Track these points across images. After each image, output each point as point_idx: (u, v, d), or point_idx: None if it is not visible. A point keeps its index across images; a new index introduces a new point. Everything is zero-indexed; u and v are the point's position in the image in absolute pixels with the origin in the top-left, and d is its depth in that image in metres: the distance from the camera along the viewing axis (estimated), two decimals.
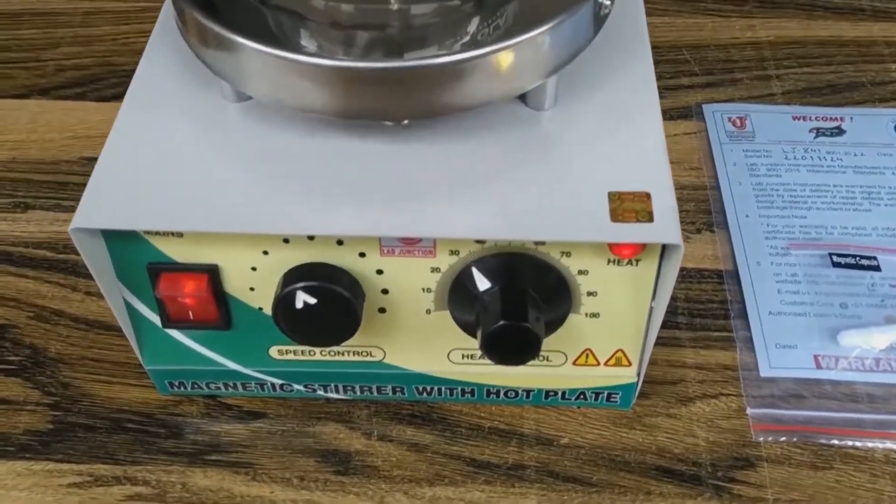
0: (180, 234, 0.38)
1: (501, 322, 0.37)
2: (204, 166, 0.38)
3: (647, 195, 0.36)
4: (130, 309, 0.41)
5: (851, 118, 0.59)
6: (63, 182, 0.57)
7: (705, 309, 0.50)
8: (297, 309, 0.38)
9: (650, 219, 0.35)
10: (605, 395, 0.44)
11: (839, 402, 0.45)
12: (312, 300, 0.37)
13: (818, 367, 0.47)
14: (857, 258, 0.50)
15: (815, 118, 0.59)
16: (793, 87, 0.61)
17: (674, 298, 0.50)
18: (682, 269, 0.52)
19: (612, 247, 0.37)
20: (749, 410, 0.45)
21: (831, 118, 0.59)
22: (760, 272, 0.51)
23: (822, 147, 0.57)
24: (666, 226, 0.35)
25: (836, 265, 0.50)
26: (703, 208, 0.55)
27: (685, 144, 0.58)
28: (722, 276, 0.51)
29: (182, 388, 0.45)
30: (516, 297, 0.38)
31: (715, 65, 0.63)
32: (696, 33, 0.65)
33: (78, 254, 0.37)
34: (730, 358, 0.48)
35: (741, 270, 0.51)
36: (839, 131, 0.58)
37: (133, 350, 0.43)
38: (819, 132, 0.58)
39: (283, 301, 0.38)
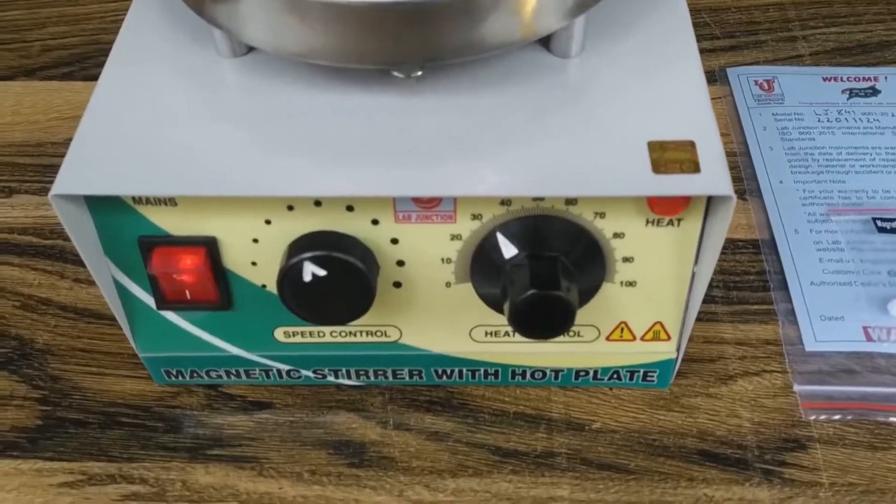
0: (174, 203, 0.35)
1: (532, 291, 0.33)
2: (198, 126, 0.35)
3: (692, 143, 0.33)
4: (121, 289, 0.38)
5: (886, 78, 0.55)
6: (49, 165, 0.53)
7: (742, 281, 0.46)
8: (305, 282, 0.34)
9: (696, 169, 0.32)
10: (641, 373, 0.41)
11: (894, 377, 0.42)
12: (322, 272, 0.34)
13: (868, 339, 0.43)
14: None
15: (847, 79, 0.55)
16: (821, 47, 0.58)
17: None
18: None
19: (653, 204, 0.34)
20: (796, 387, 0.42)
21: (864, 78, 0.55)
22: (799, 240, 0.47)
23: (857, 108, 0.53)
24: (715, 176, 0.32)
25: (882, 230, 0.47)
26: (733, 176, 0.49)
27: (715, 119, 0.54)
28: (758, 246, 0.48)
29: (180, 378, 0.41)
30: (546, 263, 0.34)
31: (737, 27, 0.60)
32: None
33: (66, 239, 0.34)
34: (771, 332, 0.44)
35: (778, 239, 0.47)
36: (874, 91, 0.54)
37: (126, 337, 0.40)
38: (852, 93, 0.54)
39: (290, 273, 0.34)
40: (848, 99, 0.54)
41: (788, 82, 0.55)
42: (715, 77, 0.57)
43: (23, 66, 0.59)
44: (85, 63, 0.59)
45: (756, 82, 0.56)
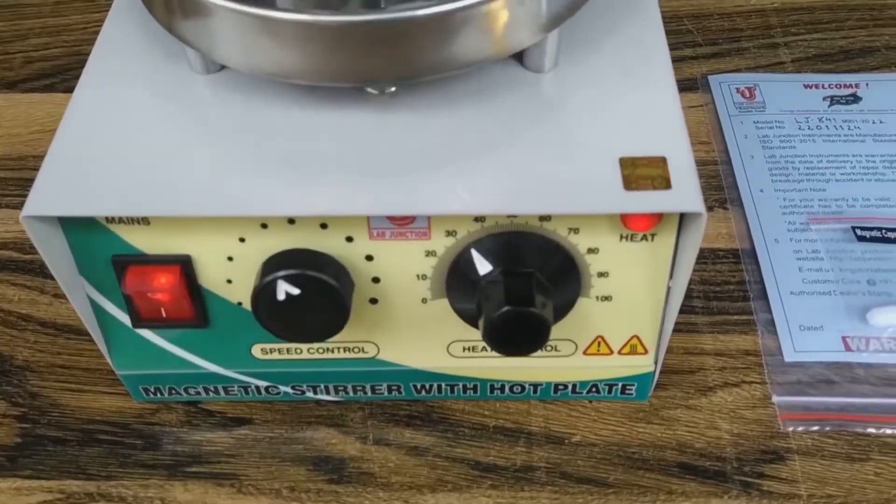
0: (147, 222, 0.35)
1: (506, 308, 0.33)
2: (171, 144, 0.35)
3: (663, 160, 0.33)
4: (96, 308, 0.38)
5: (867, 84, 0.55)
6: (29, 178, 0.53)
7: (722, 291, 0.46)
8: (279, 301, 0.34)
9: (667, 185, 0.32)
10: (620, 386, 0.41)
11: (873, 387, 0.42)
12: (295, 290, 0.34)
13: (847, 349, 0.43)
14: (883, 231, 0.47)
15: (829, 86, 0.55)
16: (802, 54, 0.58)
17: (688, 281, 0.47)
18: None
19: (626, 220, 0.34)
20: (775, 398, 0.42)
21: (845, 85, 0.55)
22: (779, 250, 0.47)
23: (838, 115, 0.53)
24: (686, 192, 0.32)
25: (861, 239, 0.47)
26: (713, 184, 0.51)
27: (691, 118, 0.55)
28: (738, 256, 0.48)
29: (158, 395, 0.41)
30: (521, 279, 0.34)
31: (719, 34, 0.60)
32: (698, 2, 0.62)
33: None
34: (751, 342, 0.44)
35: (758, 249, 0.47)
36: (855, 98, 0.54)
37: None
38: (833, 100, 0.54)
39: (263, 292, 0.34)
40: (829, 106, 0.54)
41: (770, 89, 0.55)
42: (696, 84, 0.57)
43: (4, 79, 0.59)
44: (66, 75, 0.59)
45: (738, 90, 0.56)
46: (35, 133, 0.56)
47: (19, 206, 0.52)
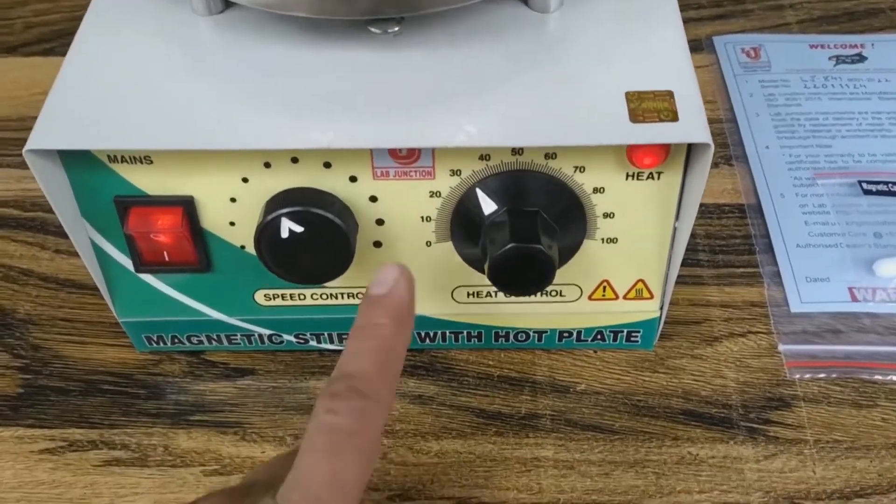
0: (150, 161, 0.34)
1: (511, 245, 0.33)
2: (174, 83, 0.34)
3: (670, 93, 0.32)
4: (99, 252, 0.37)
5: (873, 44, 0.55)
6: None
7: (728, 245, 0.46)
8: (283, 239, 0.34)
9: (674, 118, 0.32)
10: (625, 333, 0.40)
11: (879, 336, 0.42)
12: (299, 228, 0.34)
13: (854, 299, 0.43)
14: (890, 184, 0.47)
15: (834, 46, 0.55)
16: (808, 16, 0.58)
17: (694, 235, 0.46)
18: (701, 205, 0.48)
19: (632, 155, 0.33)
20: (781, 347, 0.42)
21: (851, 45, 0.55)
22: (785, 204, 0.47)
23: (844, 74, 0.53)
24: (692, 124, 0.31)
25: (867, 192, 0.47)
26: (719, 142, 0.51)
27: (697, 77, 0.54)
28: (744, 211, 0.47)
29: (161, 344, 0.41)
30: (526, 217, 0.34)
31: None
32: None
33: (47, 211, 0.34)
34: (757, 294, 0.44)
35: (764, 203, 0.47)
36: (860, 58, 0.54)
37: (108, 306, 0.40)
38: (839, 60, 0.54)
39: (267, 229, 0.34)
40: (835, 65, 0.54)
41: (775, 50, 0.55)
42: (701, 45, 0.56)
43: (5, 43, 0.59)
44: (66, 39, 0.58)
45: (743, 50, 0.55)
46: (36, 95, 0.55)
47: (20, 166, 0.52)
